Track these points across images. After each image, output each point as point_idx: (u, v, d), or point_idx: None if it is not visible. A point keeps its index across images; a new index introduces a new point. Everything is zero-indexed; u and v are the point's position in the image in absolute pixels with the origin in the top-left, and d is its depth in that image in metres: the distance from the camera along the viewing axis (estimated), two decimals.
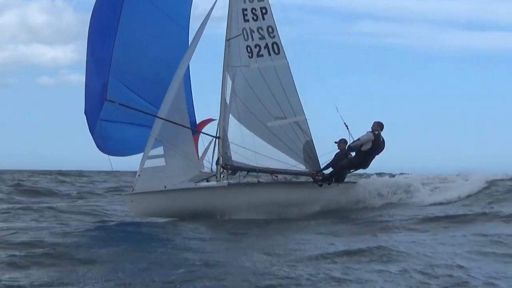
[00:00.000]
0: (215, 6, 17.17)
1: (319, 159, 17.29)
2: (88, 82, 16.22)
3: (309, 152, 17.27)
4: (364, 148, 16.74)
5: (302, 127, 17.28)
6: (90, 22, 16.20)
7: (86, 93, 16.24)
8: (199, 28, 16.96)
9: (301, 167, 17.24)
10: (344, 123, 17.05)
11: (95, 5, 16.32)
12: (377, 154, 17.02)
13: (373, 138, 16.73)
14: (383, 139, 17.00)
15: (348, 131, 17.06)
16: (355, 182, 17.59)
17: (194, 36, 16.95)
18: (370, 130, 16.89)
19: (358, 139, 16.80)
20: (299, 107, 17.34)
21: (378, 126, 16.92)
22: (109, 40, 16.28)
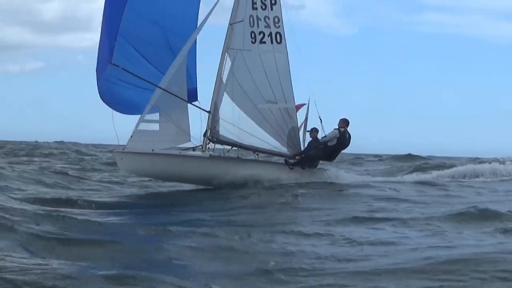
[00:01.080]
0: None
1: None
2: (100, 45, 17.97)
3: (293, 137, 18.83)
4: (330, 144, 18.46)
5: (290, 114, 18.80)
6: None
7: (98, 54, 18.01)
8: (208, 14, 18.50)
9: (284, 150, 18.83)
10: (319, 116, 18.71)
11: None
12: (343, 149, 18.92)
13: (338, 135, 18.47)
14: (349, 134, 18.66)
15: (321, 124, 18.75)
16: (326, 169, 19.21)
17: (201, 22, 18.49)
18: (337, 127, 18.54)
19: (325, 136, 18.48)
20: (290, 95, 18.83)
21: (343, 123, 18.63)
22: (123, 6, 17.87)
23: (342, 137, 18.49)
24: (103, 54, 17.94)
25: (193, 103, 18.62)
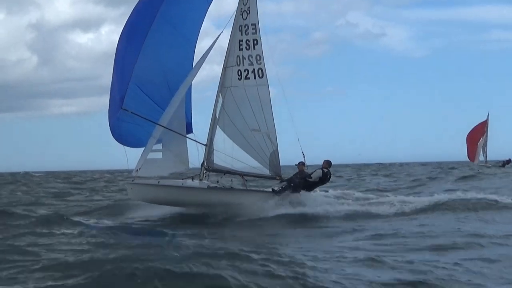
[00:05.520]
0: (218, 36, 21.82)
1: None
2: (111, 92, 21.83)
3: (274, 160, 21.28)
4: (313, 180, 21.06)
5: (271, 139, 21.27)
6: (118, 41, 21.67)
7: (109, 100, 21.88)
8: (203, 56, 21.68)
9: (266, 172, 21.27)
10: (302, 152, 21.00)
11: (123, 28, 21.79)
12: (321, 185, 21.53)
13: (321, 175, 21.07)
14: (330, 174, 21.27)
15: (304, 158, 21.06)
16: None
17: (199, 60, 21.72)
18: (321, 167, 21.12)
19: (311, 177, 20.97)
20: (271, 122, 21.33)
21: (326, 164, 21.29)
22: (132, 57, 21.52)
23: (324, 176, 21.16)
24: (115, 98, 21.73)
25: (192, 138, 21.83)
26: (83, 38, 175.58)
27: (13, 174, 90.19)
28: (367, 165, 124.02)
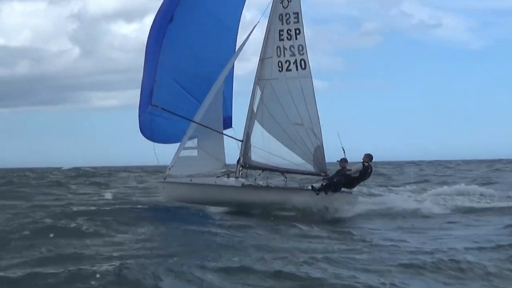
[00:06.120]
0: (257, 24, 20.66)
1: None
2: (142, 86, 20.68)
3: (318, 155, 20.02)
4: (353, 175, 19.61)
5: (316, 134, 20.00)
6: (149, 32, 20.53)
7: (141, 94, 20.63)
8: (241, 45, 20.54)
9: (310, 168, 20.02)
10: (342, 147, 19.61)
11: (155, 17, 20.68)
12: (363, 180, 20.07)
13: (361, 169, 19.59)
14: (371, 169, 19.81)
15: (344, 153, 19.67)
16: (350, 192, 20.00)
17: (236, 51, 20.61)
18: (362, 161, 19.69)
19: (350, 169, 19.56)
20: (315, 116, 20.07)
21: (367, 158, 19.77)
22: (165, 49, 20.26)
23: (364, 171, 19.67)
24: (145, 94, 20.57)
25: (227, 134, 20.61)
26: (126, 29, 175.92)
27: (57, 169, 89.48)
28: (420, 162, 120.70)
